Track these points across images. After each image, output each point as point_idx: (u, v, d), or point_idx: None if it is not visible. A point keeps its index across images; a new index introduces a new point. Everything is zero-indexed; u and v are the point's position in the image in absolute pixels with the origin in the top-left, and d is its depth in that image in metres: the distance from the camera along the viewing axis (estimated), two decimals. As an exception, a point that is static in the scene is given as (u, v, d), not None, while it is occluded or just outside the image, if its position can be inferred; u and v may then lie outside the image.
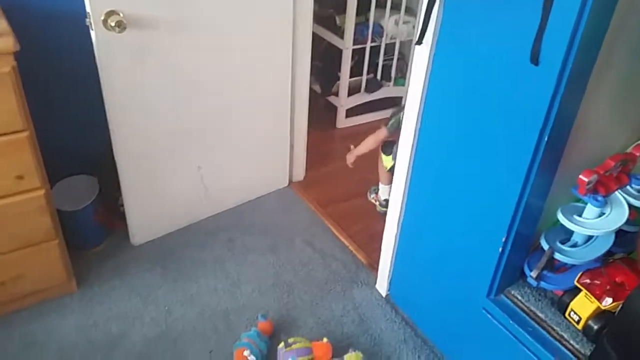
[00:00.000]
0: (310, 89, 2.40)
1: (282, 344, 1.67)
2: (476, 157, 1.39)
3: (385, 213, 1.85)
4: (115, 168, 1.90)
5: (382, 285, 1.95)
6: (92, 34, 1.62)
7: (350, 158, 2.33)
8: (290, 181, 2.52)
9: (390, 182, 2.25)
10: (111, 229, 2.10)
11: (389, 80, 3.01)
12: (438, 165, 1.53)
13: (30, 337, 1.72)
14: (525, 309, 1.43)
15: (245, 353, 1.63)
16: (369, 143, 2.25)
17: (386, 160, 2.23)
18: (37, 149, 1.58)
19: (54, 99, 1.96)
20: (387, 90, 3.02)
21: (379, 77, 2.97)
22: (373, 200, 2.43)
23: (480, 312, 1.50)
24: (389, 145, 2.20)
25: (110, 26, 1.59)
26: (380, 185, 2.36)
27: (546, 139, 1.20)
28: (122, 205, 2.02)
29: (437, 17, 1.35)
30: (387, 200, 2.22)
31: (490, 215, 1.40)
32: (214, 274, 1.99)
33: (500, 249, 1.39)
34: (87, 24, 1.61)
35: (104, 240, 2.07)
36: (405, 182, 1.66)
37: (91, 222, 1.99)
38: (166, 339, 1.74)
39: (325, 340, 1.70)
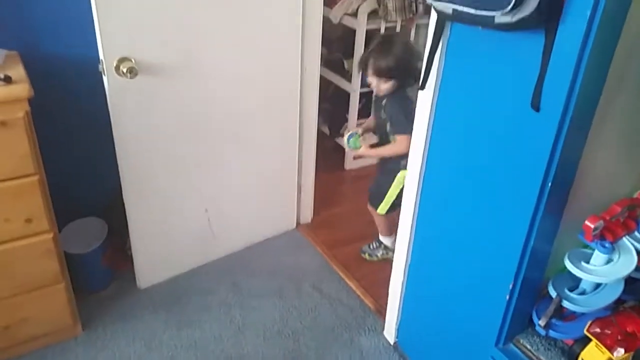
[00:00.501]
0: (319, 131, 2.43)
1: (286, 393, 1.64)
2: (481, 202, 1.38)
3: None
4: (124, 211, 1.91)
5: (389, 332, 1.91)
6: (105, 79, 1.67)
7: (357, 152, 2.15)
8: (298, 223, 2.51)
9: (390, 232, 2.23)
10: (118, 270, 2.10)
11: (397, 123, 3.04)
12: (443, 211, 1.53)
13: (33, 382, 1.70)
14: (535, 358, 1.39)
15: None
16: (385, 151, 2.06)
17: (381, 209, 2.17)
18: (46, 193, 1.60)
19: (66, 142, 2.01)
20: (395, 134, 3.05)
21: (387, 120, 3.01)
22: (381, 257, 2.34)
23: (489, 361, 1.46)
24: (374, 197, 2.19)
25: (122, 72, 1.64)
26: (383, 238, 2.32)
27: (550, 184, 1.19)
28: (130, 248, 2.03)
29: (439, 63, 1.37)
30: None
31: (497, 262, 1.37)
32: (219, 319, 1.97)
33: (507, 296, 1.36)
34: (100, 69, 1.66)
35: (111, 283, 2.07)
36: (411, 228, 1.65)
37: (99, 265, 2.00)
38: (169, 386, 1.72)
39: (330, 389, 1.66)
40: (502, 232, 1.33)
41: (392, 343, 1.90)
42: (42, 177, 1.57)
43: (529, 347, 1.41)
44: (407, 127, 1.93)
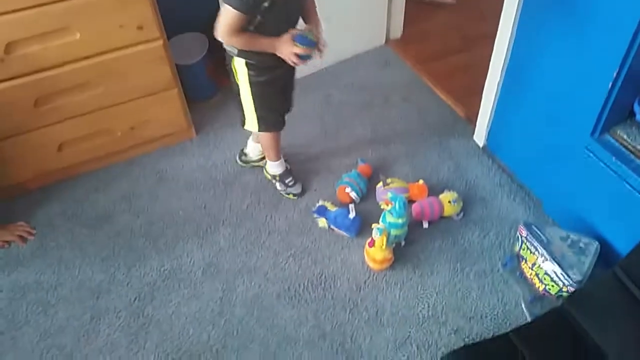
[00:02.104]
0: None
1: (380, 183, 1.79)
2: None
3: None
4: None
5: (480, 136, 1.97)
6: None
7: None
8: (388, 39, 2.49)
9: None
10: (221, 84, 2.25)
11: None
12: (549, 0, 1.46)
13: (161, 174, 1.98)
14: (631, 147, 1.41)
15: (347, 190, 1.78)
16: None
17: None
18: (154, 1, 1.69)
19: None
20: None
21: None
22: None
23: (582, 152, 1.49)
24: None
25: None
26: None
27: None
28: (229, 63, 2.13)
29: None
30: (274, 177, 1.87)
31: (603, 49, 1.34)
32: (314, 125, 2.11)
33: (610, 84, 1.34)
34: None
35: (216, 94, 2.25)
36: (513, 25, 1.61)
37: (204, 76, 2.16)
38: (275, 179, 1.93)
39: (421, 181, 1.79)
40: (613, 16, 1.28)
41: (481, 146, 1.97)
42: (148, -16, 1.65)
43: (625, 137, 1.43)
44: None
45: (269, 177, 1.91)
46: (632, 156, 1.40)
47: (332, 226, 1.73)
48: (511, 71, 1.71)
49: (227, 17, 1.40)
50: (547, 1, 1.47)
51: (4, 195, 1.90)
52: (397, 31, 2.50)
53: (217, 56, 2.18)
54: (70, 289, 1.66)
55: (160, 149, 2.05)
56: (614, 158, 1.41)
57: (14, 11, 1.53)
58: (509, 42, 1.65)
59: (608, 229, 1.52)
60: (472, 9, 2.63)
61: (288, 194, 1.87)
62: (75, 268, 1.71)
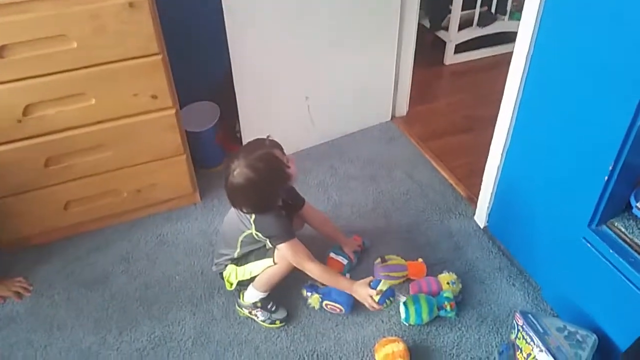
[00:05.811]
0: (419, 24, 2.40)
1: (378, 260, 1.79)
2: (588, 83, 1.35)
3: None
4: (234, 97, 2.07)
5: (480, 217, 1.98)
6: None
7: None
8: (393, 116, 2.57)
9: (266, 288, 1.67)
10: (228, 150, 2.31)
11: (504, 13, 2.88)
12: (547, 92, 1.51)
13: (162, 237, 2.00)
14: (628, 240, 1.40)
15: (339, 258, 1.80)
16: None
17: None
18: (169, 72, 1.77)
19: (183, 32, 2.15)
20: (502, 25, 2.91)
21: (493, 10, 2.86)
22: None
23: (580, 242, 1.49)
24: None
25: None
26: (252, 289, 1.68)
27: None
28: (239, 131, 2.21)
29: None
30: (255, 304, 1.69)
31: (599, 143, 1.36)
32: (317, 196, 2.14)
33: (605, 178, 1.36)
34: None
35: (223, 161, 2.29)
36: (513, 112, 1.65)
37: (212, 144, 2.22)
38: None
39: (420, 260, 1.79)
40: (607, 113, 1.31)
41: (482, 227, 1.98)
42: (165, 57, 1.73)
43: (622, 229, 1.42)
44: None
45: (245, 312, 1.70)
46: (629, 249, 1.39)
47: (326, 301, 1.70)
48: (510, 156, 1.74)
49: (289, 250, 1.55)
50: (545, 94, 1.53)
51: (8, 249, 1.92)
52: (402, 109, 2.57)
53: (227, 124, 2.28)
54: (60, 349, 1.64)
55: (164, 212, 2.08)
56: (610, 250, 1.40)
57: (36, 76, 1.61)
58: (509, 128, 1.69)
59: (606, 321, 1.49)
60: (477, 92, 2.71)
61: (273, 322, 1.68)
62: (67, 328, 1.70)
